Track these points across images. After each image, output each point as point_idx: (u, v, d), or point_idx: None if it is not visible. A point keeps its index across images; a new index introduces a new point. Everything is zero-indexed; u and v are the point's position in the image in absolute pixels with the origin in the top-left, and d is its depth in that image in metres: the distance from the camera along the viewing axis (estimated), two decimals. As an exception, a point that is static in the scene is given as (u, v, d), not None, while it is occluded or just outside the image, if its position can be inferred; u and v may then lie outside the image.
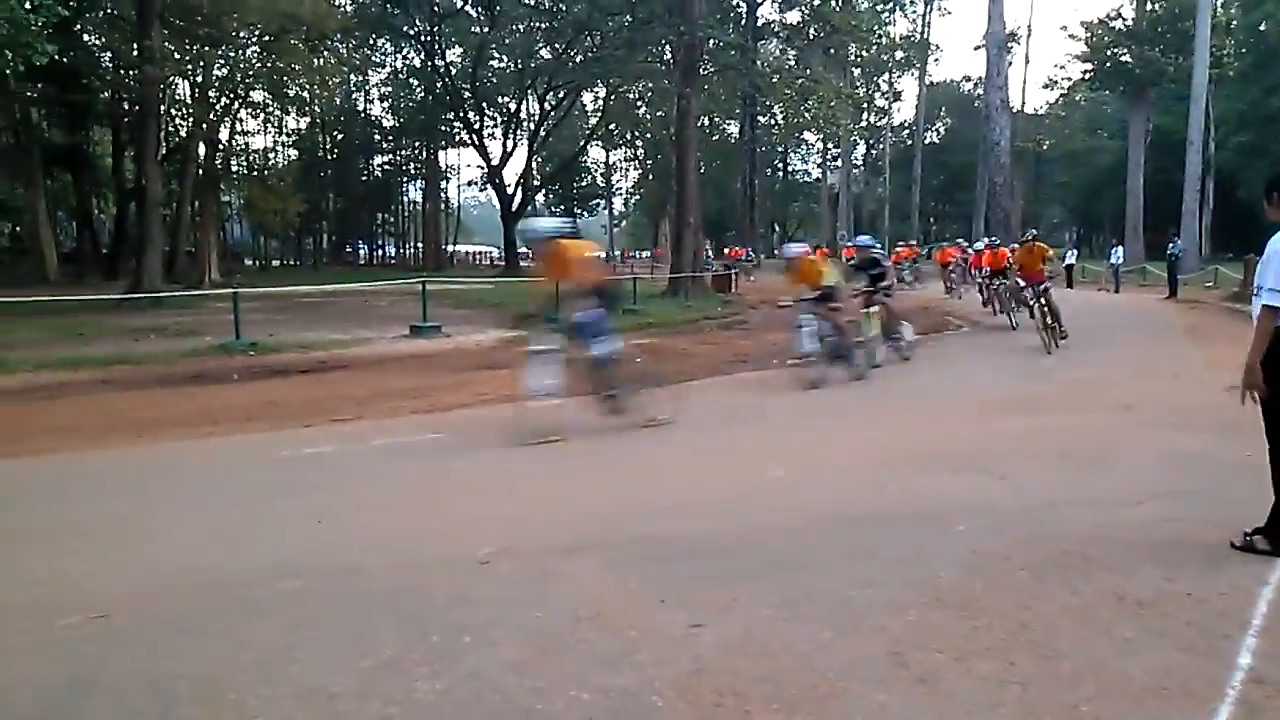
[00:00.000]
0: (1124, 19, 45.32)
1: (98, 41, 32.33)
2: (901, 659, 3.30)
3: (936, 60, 70.90)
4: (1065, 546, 4.51)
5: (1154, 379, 10.93)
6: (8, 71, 21.17)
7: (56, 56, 19.24)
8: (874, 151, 69.00)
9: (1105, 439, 7.38)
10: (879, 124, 65.00)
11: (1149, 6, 43.97)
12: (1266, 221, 4.36)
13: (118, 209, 37.60)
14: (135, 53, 23.80)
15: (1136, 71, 43.07)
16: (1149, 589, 3.93)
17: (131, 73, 25.62)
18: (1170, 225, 33.98)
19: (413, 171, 61.69)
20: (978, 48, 58.61)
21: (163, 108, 27.22)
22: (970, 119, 61.43)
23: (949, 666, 3.24)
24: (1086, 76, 48.57)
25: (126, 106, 32.35)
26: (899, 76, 64.48)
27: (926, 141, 65.75)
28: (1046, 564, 4.27)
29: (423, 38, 44.27)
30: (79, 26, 29.07)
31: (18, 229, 43.52)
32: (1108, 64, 45.19)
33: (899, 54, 58.10)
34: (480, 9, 42.31)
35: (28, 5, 17.37)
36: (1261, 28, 44.98)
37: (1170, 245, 27.65)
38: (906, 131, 68.45)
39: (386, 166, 62.08)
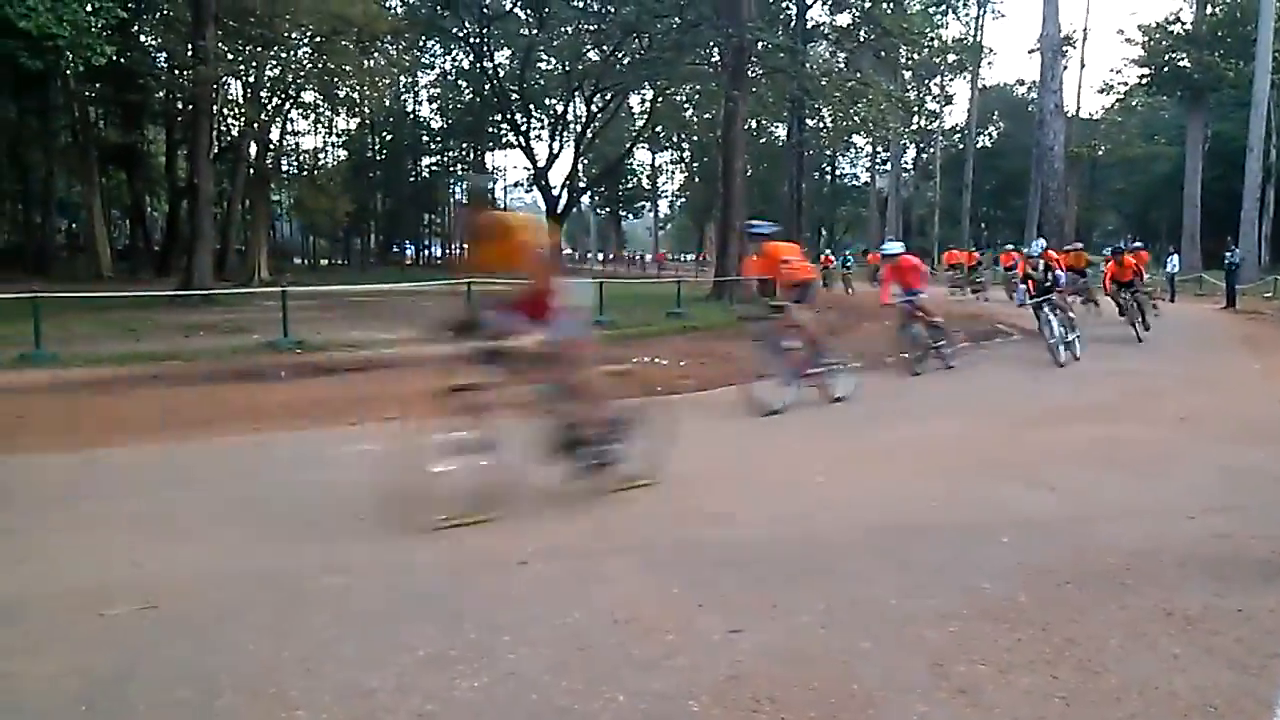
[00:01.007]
0: (1183, 23, 44.51)
1: (154, 42, 32.94)
2: (943, 670, 3.26)
3: (990, 63, 70.21)
4: (1113, 559, 4.44)
5: (1208, 390, 10.72)
6: (68, 72, 21.69)
7: (114, 57, 19.66)
8: (924, 155, 68.27)
9: (1157, 451, 7.25)
10: (930, 127, 64.33)
11: (1209, 10, 43.13)
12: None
13: (170, 207, 38.25)
14: (190, 53, 24.20)
15: (1195, 76, 42.27)
16: (1198, 604, 3.85)
17: (186, 73, 26.05)
18: (1228, 234, 33.26)
19: (460, 173, 62.11)
20: (1032, 51, 57.89)
21: (215, 107, 27.61)
22: (1024, 123, 60.56)
23: (991, 679, 3.20)
24: (1143, 81, 47.76)
25: (180, 106, 32.91)
26: (951, 79, 63.80)
27: (978, 146, 64.98)
28: (1094, 577, 4.21)
29: (472, 40, 44.53)
30: (136, 27, 29.64)
31: (74, 226, 44.47)
32: (1165, 69, 44.40)
33: (951, 57, 57.49)
34: (529, 11, 42.46)
35: (89, 8, 17.76)
36: (1326, 31, 43.94)
37: (1228, 254, 27.08)
38: (958, 135, 67.69)
39: (434, 167, 62.51)
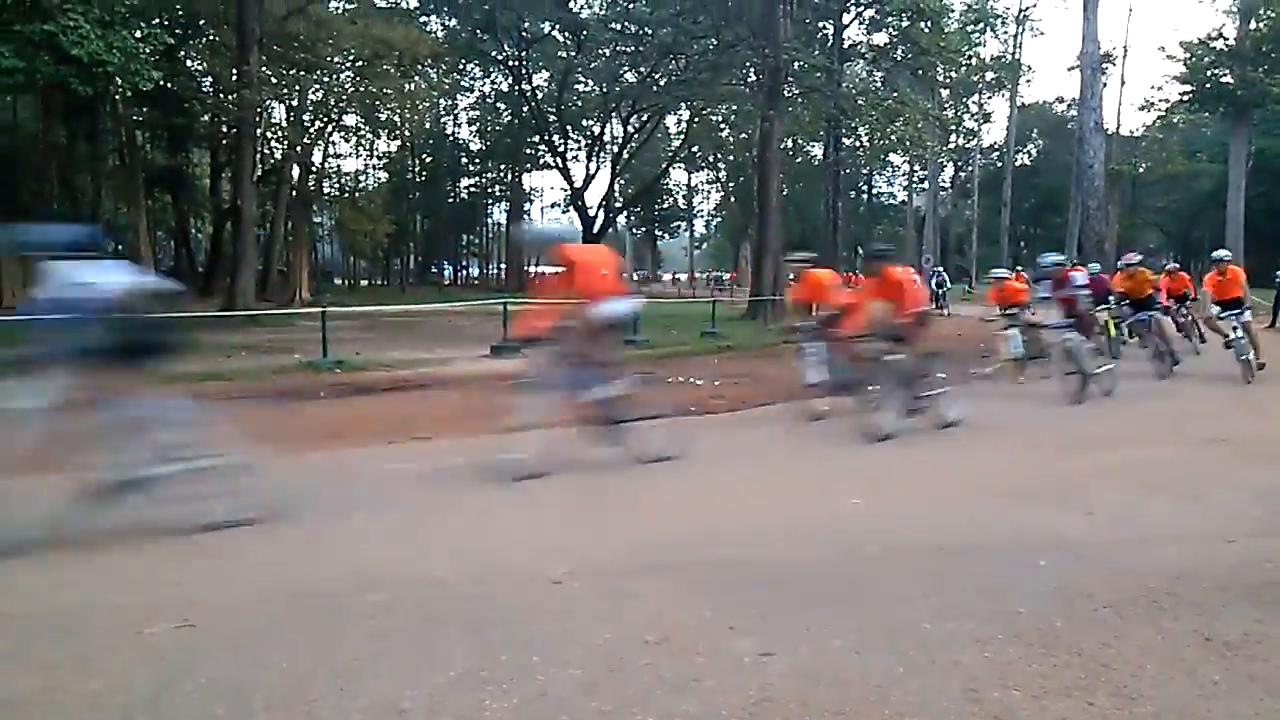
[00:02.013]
0: (1225, 39, 43.96)
1: (199, 67, 33.54)
2: (976, 695, 3.24)
3: (1028, 81, 69.89)
4: (1152, 584, 4.37)
5: (1250, 412, 10.54)
6: (117, 97, 22.15)
7: (161, 82, 20.07)
8: (962, 174, 67.89)
9: (1196, 474, 7.14)
10: (967, 145, 64.00)
11: (1252, 25, 42.61)
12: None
13: (214, 228, 38.87)
14: (234, 77, 24.67)
15: (1238, 93, 41.71)
16: (1238, 630, 3.79)
17: (230, 97, 26.51)
18: (1272, 251, 32.72)
19: (498, 194, 62.57)
20: (1071, 68, 57.51)
21: (259, 131, 28.04)
22: (1063, 141, 60.06)
23: (1025, 704, 3.17)
24: (1185, 98, 47.19)
25: (224, 130, 33.46)
26: (989, 97, 63.35)
27: (1017, 164, 64.51)
28: (1131, 601, 4.15)
29: (510, 63, 45.03)
30: (182, 53, 30.22)
31: (120, 247, 45.24)
32: (1208, 85, 43.84)
33: (989, 75, 57.20)
34: (567, 34, 42.86)
35: (138, 35, 18.17)
36: (1374, 46, 43.22)
37: (1277, 272, 26.52)
38: (996, 153, 67.24)
39: (472, 189, 63.06)
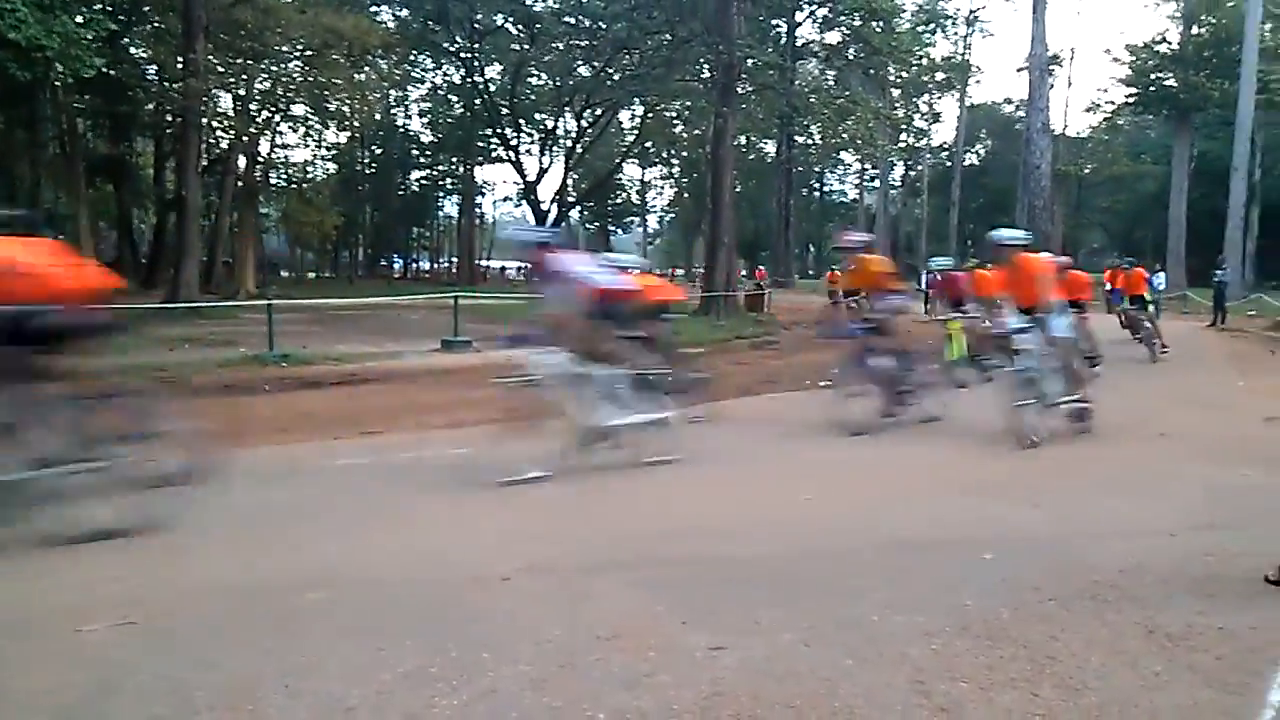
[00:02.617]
0: (1169, 43, 44.96)
1: (143, 55, 32.85)
2: (924, 688, 3.26)
3: (978, 82, 70.76)
4: (1096, 577, 4.44)
5: (1194, 408, 10.77)
6: (57, 83, 21.63)
7: (104, 69, 19.63)
8: (912, 173, 68.69)
9: (1142, 469, 7.28)
10: (918, 145, 64.70)
11: (1194, 31, 43.58)
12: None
13: (157, 219, 38.10)
14: (180, 66, 24.21)
15: (1181, 96, 42.66)
16: (1180, 622, 3.85)
17: (175, 85, 26.02)
18: (1212, 252, 33.49)
19: (449, 187, 62.10)
20: (1020, 70, 58.47)
21: (204, 120, 27.54)
22: (1011, 141, 61.00)
23: (972, 696, 3.20)
24: (1130, 101, 48.20)
25: (169, 118, 32.80)
26: (939, 98, 64.20)
27: (966, 163, 65.38)
28: (1076, 594, 4.21)
29: (462, 54, 44.66)
30: (126, 40, 29.59)
31: (60, 238, 44.21)
32: (1152, 88, 44.81)
33: (939, 75, 57.98)
34: (520, 27, 42.60)
35: (79, 20, 17.75)
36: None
37: (1218, 272, 27.15)
38: (946, 153, 68.12)
39: (423, 181, 62.52)
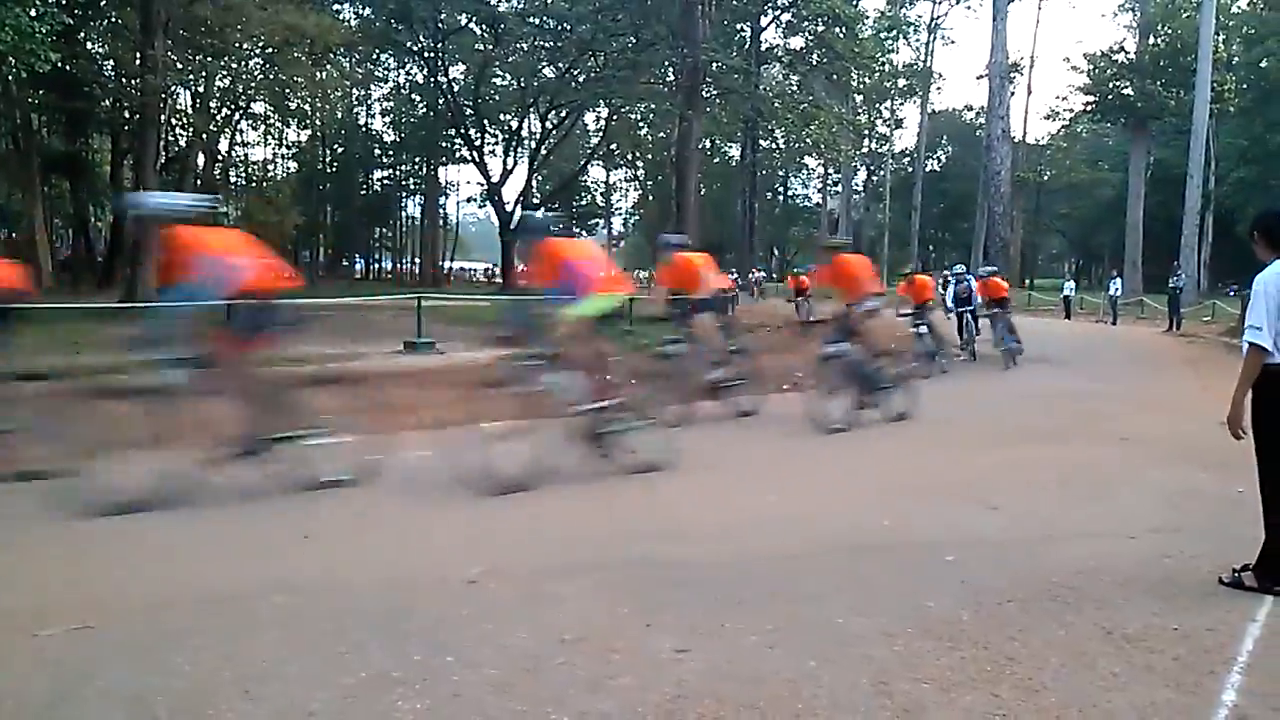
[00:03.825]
0: (1126, 52, 45.63)
1: (100, 50, 32.39)
2: (886, 689, 3.28)
3: (939, 89, 71.33)
4: (1056, 579, 4.49)
5: (1151, 412, 10.93)
6: (10, 78, 21.24)
7: (59, 64, 19.30)
8: (875, 178, 69.34)
9: (1100, 472, 7.37)
10: (880, 150, 65.37)
11: (1151, 40, 44.29)
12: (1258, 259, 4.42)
13: (114, 217, 37.59)
14: (138, 62, 23.86)
15: (1138, 105, 43.32)
16: (1137, 624, 3.91)
17: (133, 82, 25.64)
18: (1168, 258, 34.08)
19: (412, 187, 61.80)
20: (980, 77, 59.18)
21: (163, 117, 27.20)
22: (971, 148, 61.74)
23: (933, 697, 3.23)
24: (1088, 109, 48.85)
25: (127, 115, 32.36)
26: (901, 104, 64.94)
27: (927, 169, 66.07)
28: (1036, 596, 4.26)
29: (426, 54, 44.39)
30: (82, 35, 29.14)
31: (14, 235, 43.47)
32: (1110, 96, 45.46)
33: (901, 81, 58.62)
34: (484, 27, 42.43)
35: (32, 13, 17.43)
36: (1263, 64, 45.26)
37: (1173, 278, 27.64)
38: (908, 159, 68.77)
39: (386, 181, 62.16)
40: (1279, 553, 4.27)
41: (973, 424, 10.08)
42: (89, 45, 31.38)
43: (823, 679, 3.36)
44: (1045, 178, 60.30)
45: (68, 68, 24.04)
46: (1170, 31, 44.02)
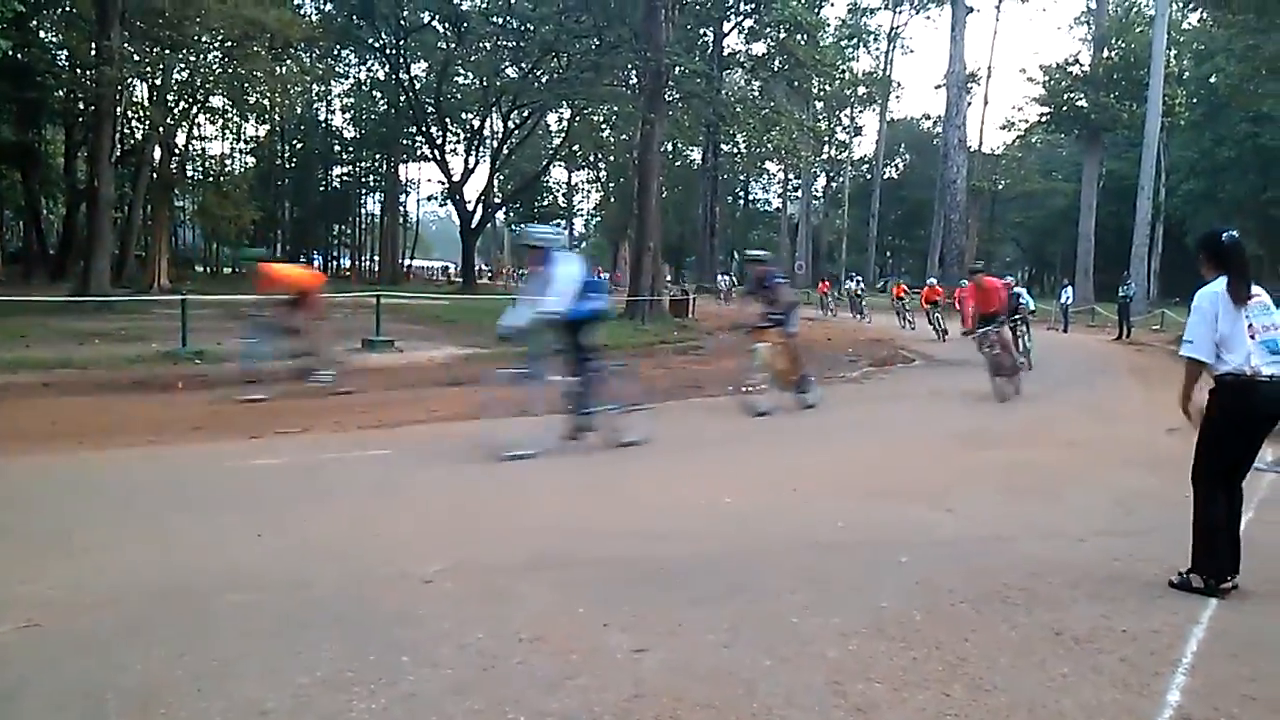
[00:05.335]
0: (1081, 65, 46.30)
1: (54, 39, 31.79)
2: (841, 688, 3.32)
3: (898, 97, 72.43)
4: (1007, 580, 4.56)
5: (1100, 418, 11.13)
6: (-41, 66, 20.77)
7: (10, 52, 18.93)
8: (834, 184, 69.89)
9: (1051, 476, 7.49)
10: (840, 157, 66.00)
11: (1105, 54, 44.99)
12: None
13: (67, 210, 36.93)
14: (93, 52, 23.47)
15: (1092, 116, 43.97)
16: (1086, 625, 3.98)
17: (88, 72, 25.23)
18: (1119, 268, 34.63)
19: (372, 184, 61.29)
20: (938, 87, 60.08)
21: (119, 109, 26.70)
22: (929, 156, 62.47)
23: (887, 696, 3.27)
24: (1043, 119, 49.52)
25: (81, 106, 31.81)
26: (860, 112, 65.62)
27: (885, 177, 66.81)
28: (988, 597, 4.32)
29: (388, 51, 44.04)
30: (35, 23, 28.58)
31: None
32: (1064, 108, 46.09)
33: (861, 90, 59.25)
34: (447, 25, 42.16)
35: (-17, -1, 17.06)
36: (1212, 80, 46.11)
37: (1123, 287, 28.13)
38: (866, 166, 69.52)
39: (345, 178, 61.61)
40: (1208, 548, 4.42)
41: (922, 428, 10.20)
42: (42, 34, 30.78)
43: (779, 678, 3.39)
44: (1000, 186, 61.08)
45: (20, 56, 23.59)
46: (1124, 45, 44.73)
